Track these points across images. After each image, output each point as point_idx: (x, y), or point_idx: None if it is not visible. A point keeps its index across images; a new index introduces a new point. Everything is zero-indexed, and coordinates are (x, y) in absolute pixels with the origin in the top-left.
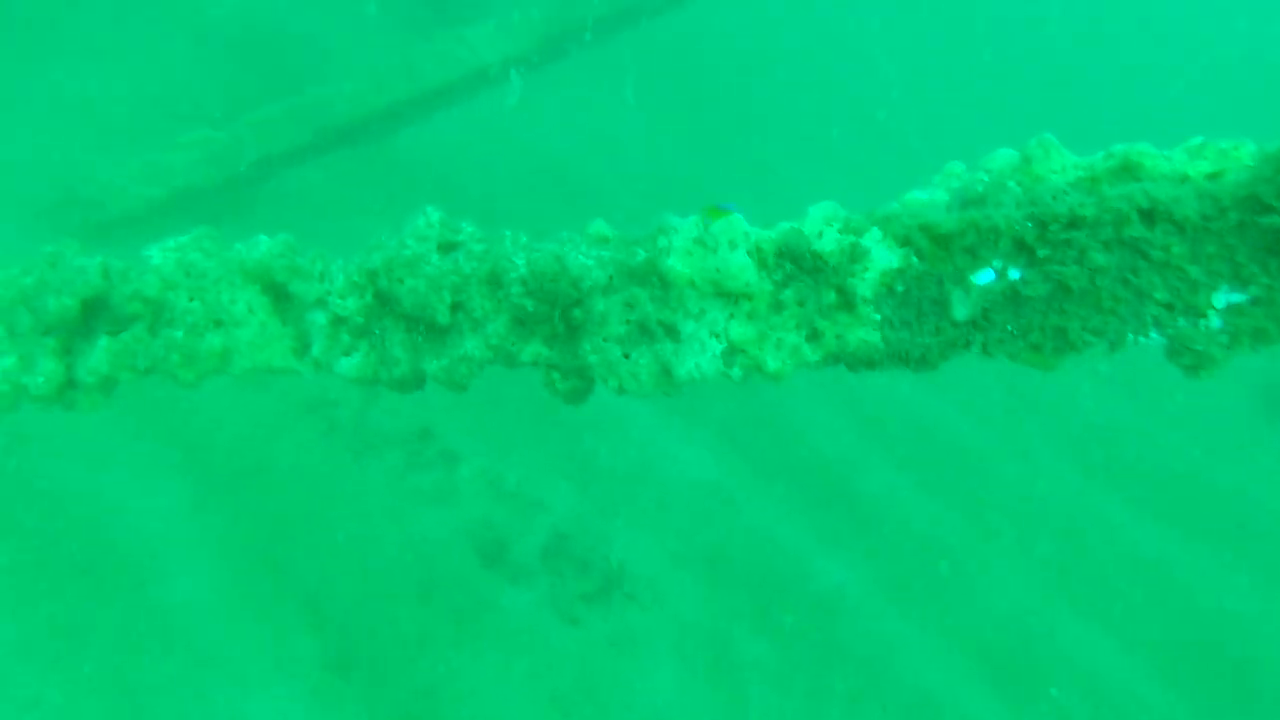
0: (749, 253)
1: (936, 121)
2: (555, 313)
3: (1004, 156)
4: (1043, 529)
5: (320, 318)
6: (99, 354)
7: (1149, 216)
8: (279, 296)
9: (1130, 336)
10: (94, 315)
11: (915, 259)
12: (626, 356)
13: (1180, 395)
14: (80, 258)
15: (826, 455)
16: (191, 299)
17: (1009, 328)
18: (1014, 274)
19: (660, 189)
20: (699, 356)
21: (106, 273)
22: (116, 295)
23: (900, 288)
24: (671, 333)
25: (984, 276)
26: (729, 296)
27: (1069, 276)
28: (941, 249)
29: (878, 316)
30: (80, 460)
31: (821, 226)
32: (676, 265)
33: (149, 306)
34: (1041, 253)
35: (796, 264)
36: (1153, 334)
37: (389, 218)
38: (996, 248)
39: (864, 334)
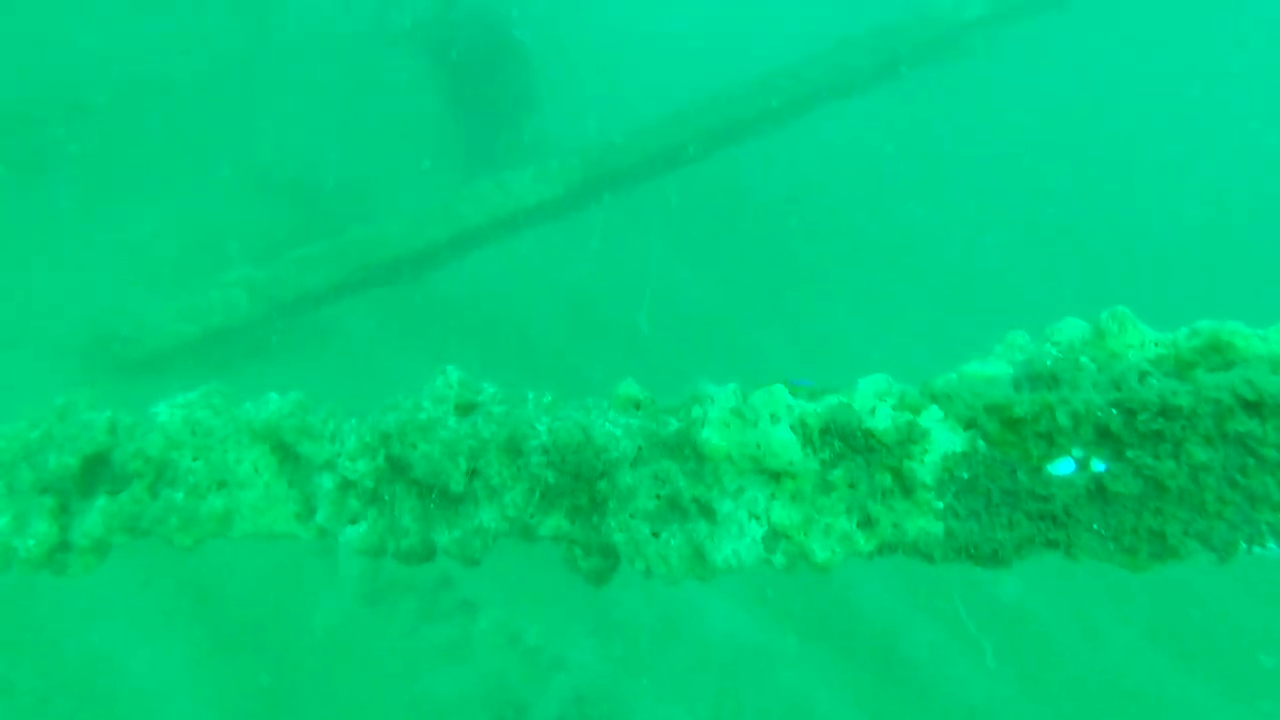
0: (792, 427)
1: (988, 274)
2: (579, 485)
3: (1072, 328)
4: (1108, 706)
5: (328, 481)
6: (94, 515)
7: (1255, 409)
8: (286, 457)
9: (1243, 545)
10: (95, 472)
11: (982, 443)
12: (655, 535)
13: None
14: (90, 411)
15: (871, 615)
16: (195, 458)
17: (1095, 527)
18: (1098, 466)
19: (696, 332)
20: (737, 541)
21: (113, 428)
22: (119, 453)
23: (965, 474)
24: (706, 512)
25: (1063, 467)
26: (771, 474)
27: (1164, 473)
28: (1012, 433)
29: (940, 504)
30: (81, 607)
31: (873, 402)
32: (713, 438)
33: (151, 465)
34: (1130, 444)
35: (846, 442)
36: (1271, 544)
37: (424, 353)
38: (1076, 435)
39: (925, 523)
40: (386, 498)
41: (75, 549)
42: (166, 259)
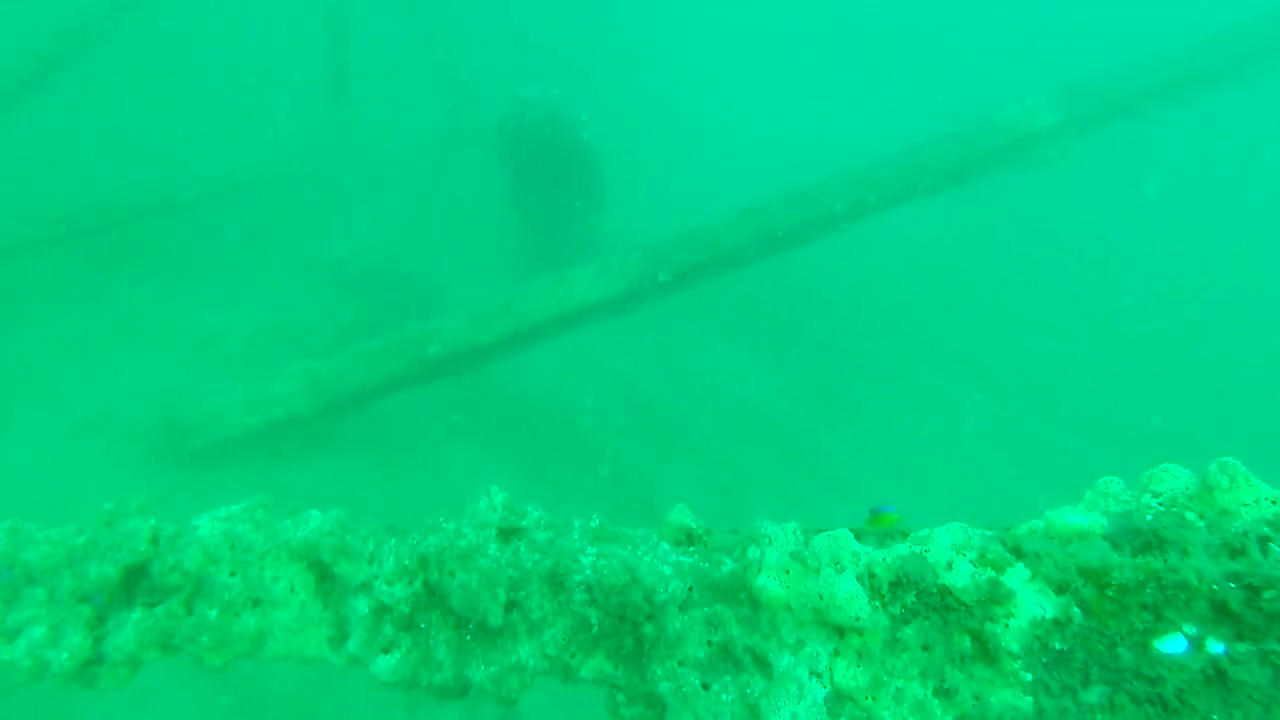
0: (859, 577)
1: (1061, 384)
2: (623, 626)
3: (1175, 477)
4: None
5: (363, 605)
6: (128, 629)
7: None
8: (324, 576)
9: None
10: (135, 582)
11: (1077, 610)
12: (706, 688)
13: None
14: (136, 518)
15: None
16: (233, 574)
17: (1215, 718)
18: (1216, 648)
19: (757, 432)
20: (796, 702)
21: (155, 538)
22: (158, 564)
23: (1058, 644)
24: (762, 665)
25: (1173, 645)
26: (834, 628)
27: None
28: (1113, 603)
29: (1028, 677)
30: (120, 704)
31: (951, 555)
32: (770, 585)
33: (189, 579)
34: (1254, 625)
35: (920, 598)
36: None
37: (478, 446)
38: (1189, 609)
39: (1010, 696)
40: (422, 625)
41: (108, 662)
42: (238, 351)
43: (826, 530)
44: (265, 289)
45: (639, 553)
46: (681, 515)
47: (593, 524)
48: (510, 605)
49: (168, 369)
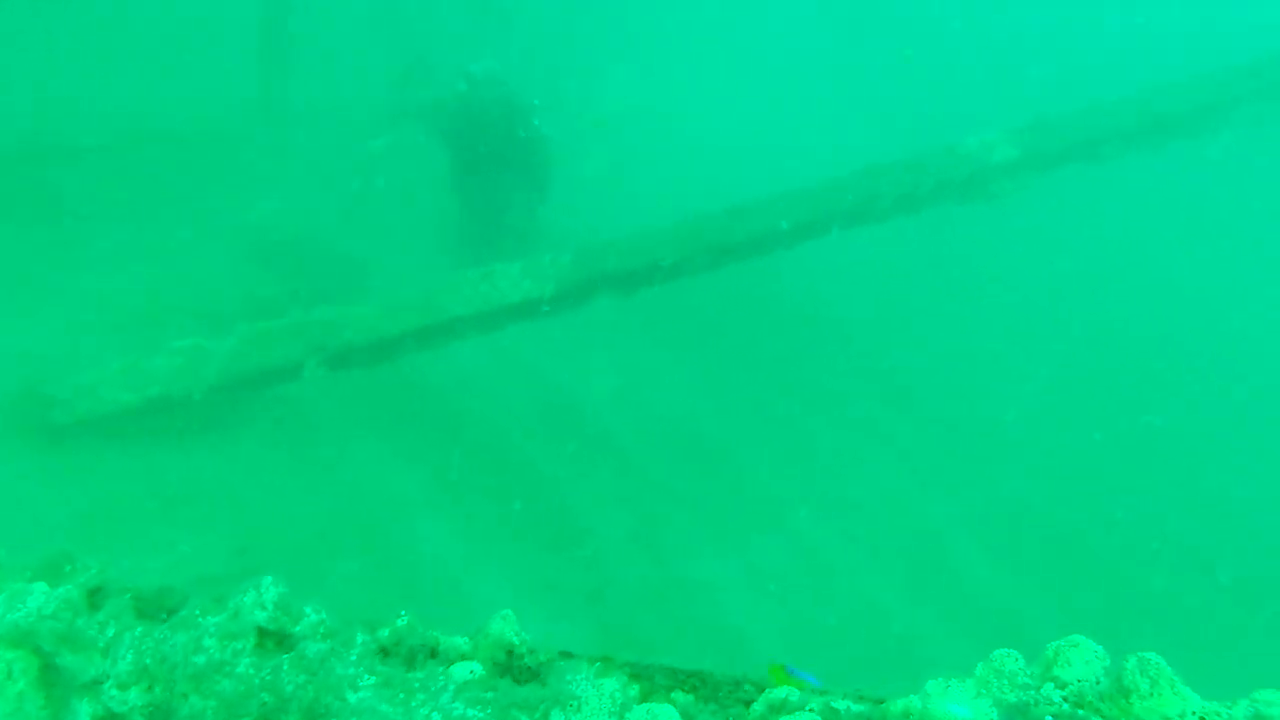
0: None
1: (1004, 430)
2: None
3: (1086, 663)
4: None
5: (85, 711)
6: None
7: None
8: (48, 666)
9: None
10: None
11: None
12: None
13: None
14: None
15: None
16: None
17: None
18: None
19: (682, 446)
20: None
21: None
22: None
23: None
24: None
25: None
26: None
27: None
28: None
29: None
30: None
31: None
32: None
33: None
34: None
35: None
36: None
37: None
38: None
39: None
40: None
41: None
42: (125, 319)
43: (652, 705)
44: (168, 251)
45: (416, 702)
46: (504, 628)
47: (384, 635)
48: None
49: (39, 330)
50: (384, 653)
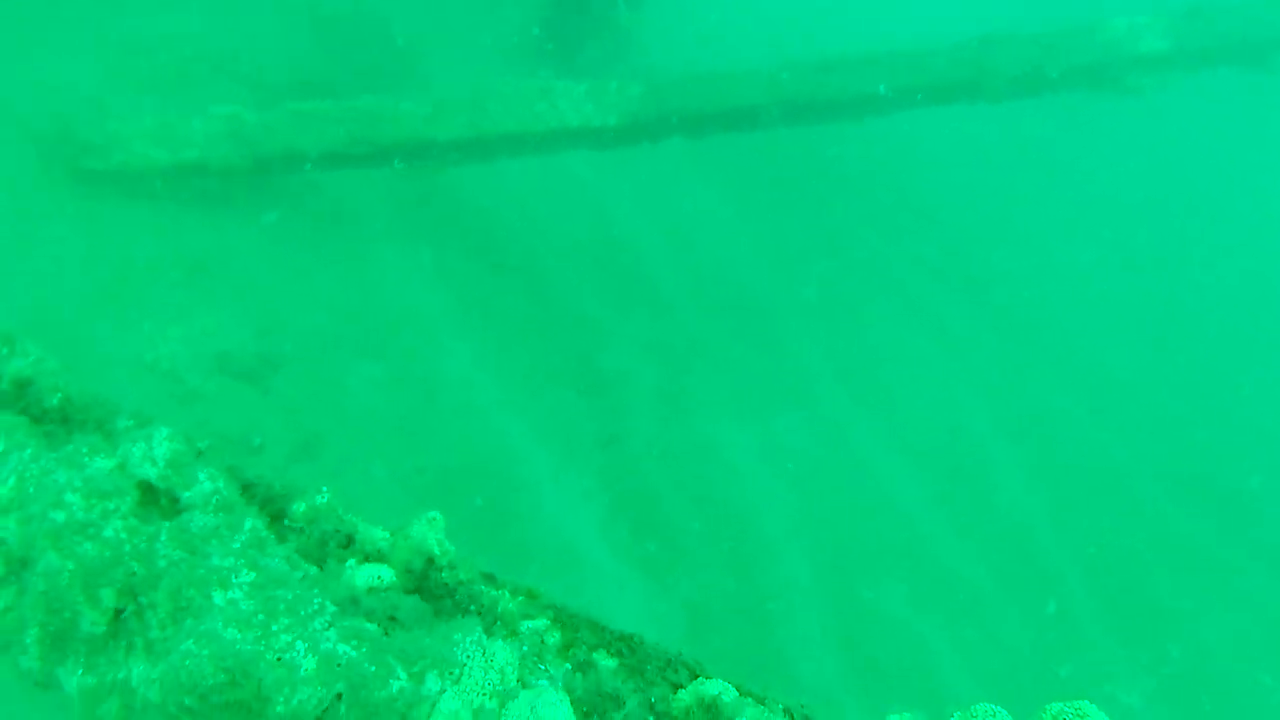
0: None
1: (1054, 330)
2: None
3: None
4: None
5: None
6: None
7: None
8: None
9: None
10: None
11: None
12: None
13: None
14: None
15: None
16: None
17: None
18: None
19: (725, 303)
20: None
21: None
22: None
23: None
24: None
25: None
26: None
27: None
28: None
29: None
30: None
31: None
32: None
33: None
34: None
35: None
36: None
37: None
38: None
39: None
40: (25, 585)
41: None
42: (167, 71)
43: (541, 695)
44: (218, 5)
45: (281, 625)
46: (427, 533)
47: (298, 510)
48: (121, 613)
49: (78, 72)
50: (260, 546)
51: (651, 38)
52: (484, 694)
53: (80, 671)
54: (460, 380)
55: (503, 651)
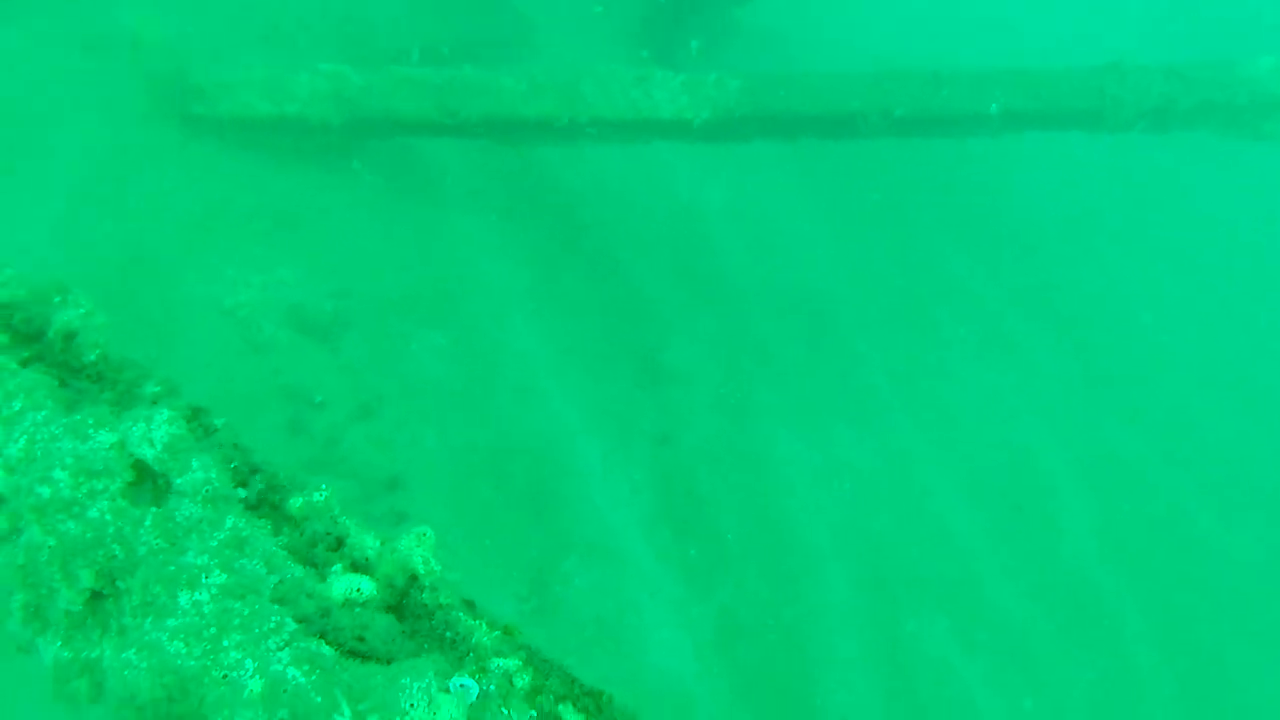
0: None
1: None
2: None
3: None
4: None
5: None
6: None
7: None
8: None
9: None
10: None
11: None
12: None
13: None
14: None
15: None
16: None
17: None
18: None
19: (796, 308)
20: None
21: None
22: None
23: None
24: None
25: None
26: None
27: None
28: None
29: None
30: None
31: None
32: None
33: None
34: None
35: None
36: None
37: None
38: None
39: None
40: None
41: None
42: (284, 24)
43: None
44: None
45: (231, 641)
46: (415, 550)
47: (294, 505)
48: (99, 594)
49: (200, 19)
50: (238, 544)
51: (765, 35)
52: None
53: (58, 644)
54: (522, 359)
55: (448, 706)
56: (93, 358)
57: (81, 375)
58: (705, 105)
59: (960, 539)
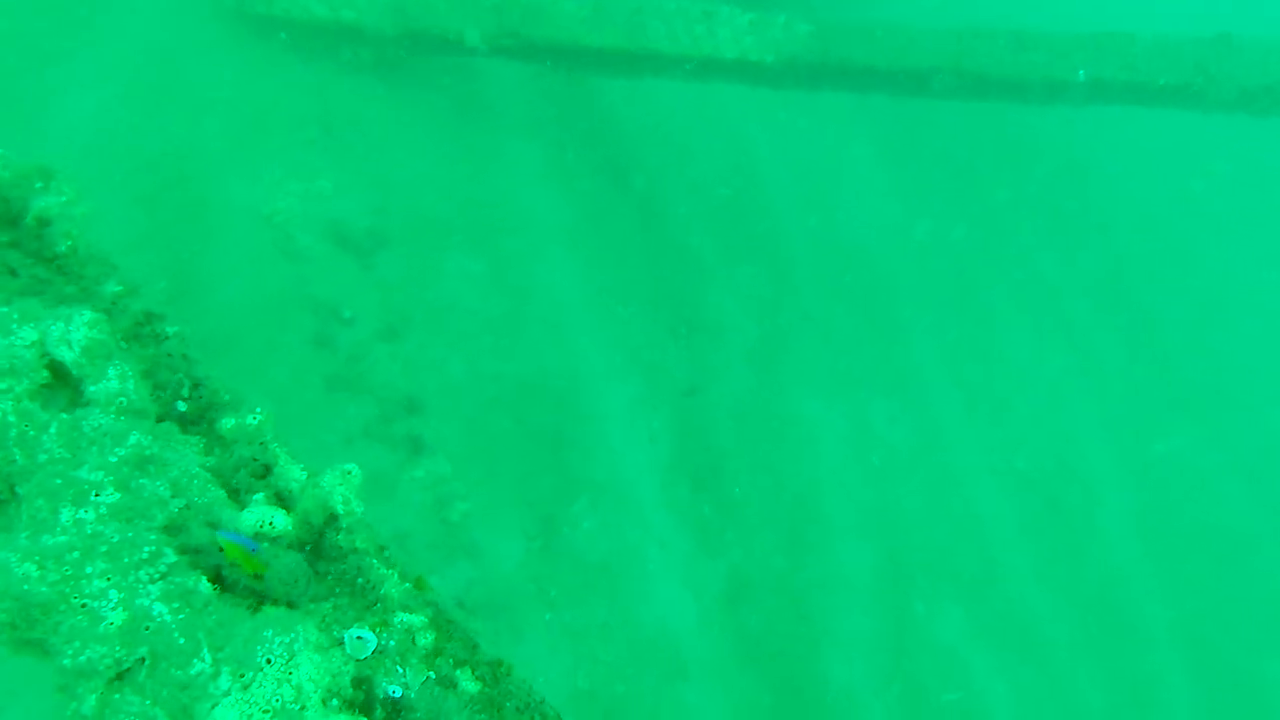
0: None
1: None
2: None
3: None
4: None
5: None
6: None
7: None
8: None
9: None
10: None
11: None
12: None
13: None
14: None
15: None
16: None
17: None
18: None
19: (848, 269)
20: None
21: None
22: None
23: None
24: None
25: None
26: None
27: None
28: None
29: None
30: None
31: None
32: None
33: None
34: None
35: None
36: None
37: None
38: None
39: None
40: None
41: None
42: None
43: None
44: None
45: (96, 569)
46: (337, 489)
47: (226, 426)
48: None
49: None
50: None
51: None
52: (265, 713)
53: None
54: (556, 294)
55: (308, 665)
56: (62, 249)
57: (52, 265)
58: (770, 48)
59: (988, 530)
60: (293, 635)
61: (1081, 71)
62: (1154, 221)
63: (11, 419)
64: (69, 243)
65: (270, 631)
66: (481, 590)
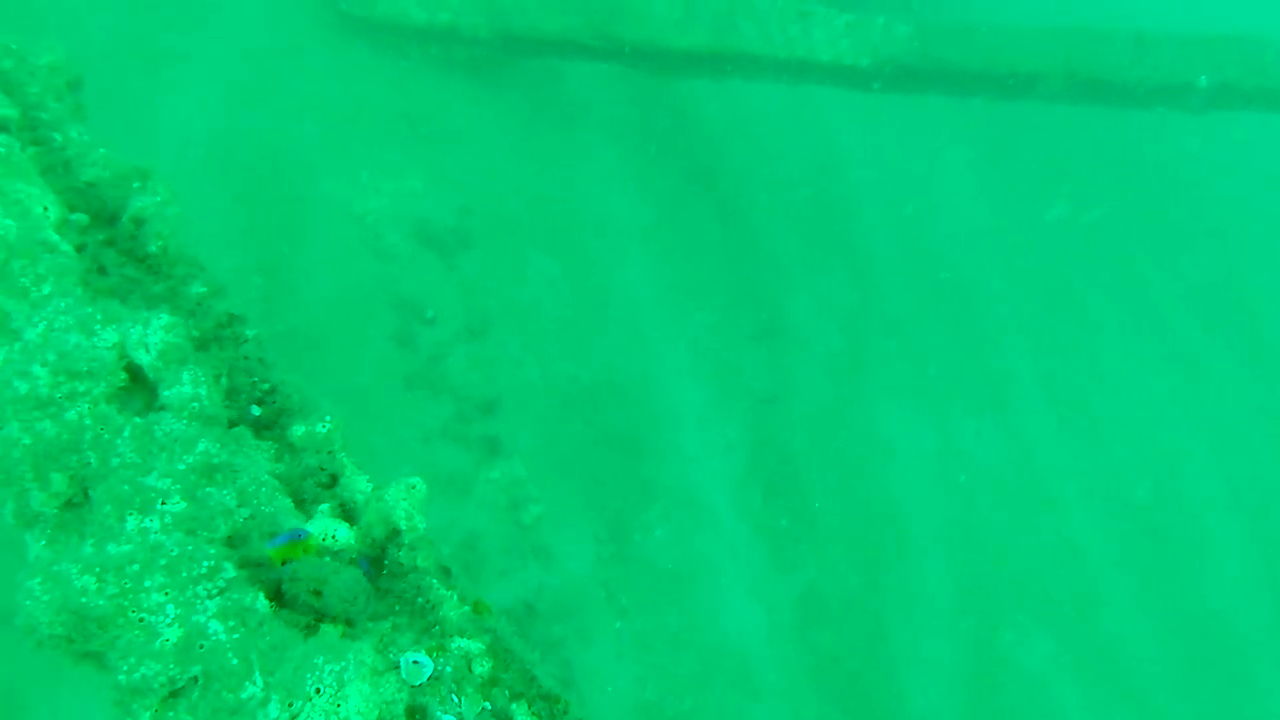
0: None
1: None
2: None
3: None
4: None
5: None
6: None
7: None
8: None
9: None
10: None
11: None
12: None
13: None
14: None
15: None
16: None
17: None
18: None
19: (937, 277)
20: None
21: None
22: None
23: None
24: None
25: None
26: None
27: None
28: None
29: None
30: None
31: None
32: None
33: None
34: None
35: None
36: None
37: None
38: None
39: None
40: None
41: None
42: None
43: None
44: None
45: (163, 580)
46: (401, 503)
47: (297, 433)
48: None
49: None
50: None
51: None
52: None
53: (42, 543)
54: (635, 296)
55: (357, 698)
56: (154, 249)
57: (144, 264)
58: (868, 51)
59: (1083, 556)
60: (343, 664)
61: (1204, 76)
62: (1269, 231)
63: (89, 422)
64: (160, 243)
65: (321, 659)
66: (551, 595)
